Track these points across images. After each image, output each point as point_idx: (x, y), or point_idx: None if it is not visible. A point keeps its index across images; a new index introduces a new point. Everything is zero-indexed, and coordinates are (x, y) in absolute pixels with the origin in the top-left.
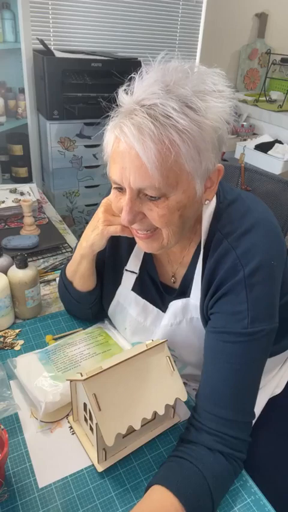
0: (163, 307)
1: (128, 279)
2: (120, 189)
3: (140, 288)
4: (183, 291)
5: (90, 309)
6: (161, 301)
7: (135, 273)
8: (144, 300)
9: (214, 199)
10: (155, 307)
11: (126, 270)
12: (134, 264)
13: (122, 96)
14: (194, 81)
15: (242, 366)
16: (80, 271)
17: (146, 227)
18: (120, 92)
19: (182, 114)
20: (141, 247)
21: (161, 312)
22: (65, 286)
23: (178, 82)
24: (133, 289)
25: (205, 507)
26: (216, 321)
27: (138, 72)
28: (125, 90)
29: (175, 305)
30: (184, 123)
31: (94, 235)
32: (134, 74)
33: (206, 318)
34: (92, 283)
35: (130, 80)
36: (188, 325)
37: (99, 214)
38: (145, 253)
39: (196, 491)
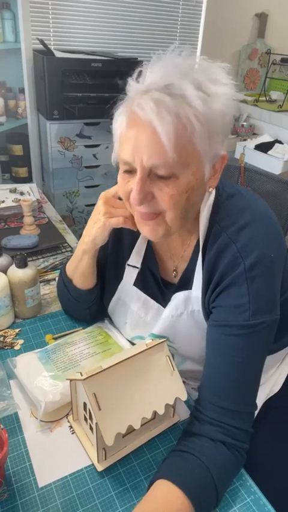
0: (164, 303)
1: (130, 274)
2: (129, 172)
3: (141, 283)
4: (184, 285)
5: (88, 308)
6: (162, 297)
7: (137, 268)
8: (145, 295)
9: (213, 192)
10: (155, 302)
11: (128, 264)
12: (136, 259)
13: (132, 84)
14: (205, 67)
15: (244, 358)
16: (81, 268)
17: (153, 210)
18: (131, 80)
19: (196, 95)
20: (146, 233)
21: (161, 307)
22: (65, 284)
23: (191, 67)
24: (135, 284)
25: (210, 498)
26: (218, 315)
27: (149, 64)
28: (135, 79)
29: (178, 297)
30: (198, 103)
31: (96, 228)
32: (141, 67)
33: (207, 311)
34: (92, 281)
35: (140, 72)
36: (189, 317)
37: (99, 206)
38: (147, 248)
39: (201, 483)
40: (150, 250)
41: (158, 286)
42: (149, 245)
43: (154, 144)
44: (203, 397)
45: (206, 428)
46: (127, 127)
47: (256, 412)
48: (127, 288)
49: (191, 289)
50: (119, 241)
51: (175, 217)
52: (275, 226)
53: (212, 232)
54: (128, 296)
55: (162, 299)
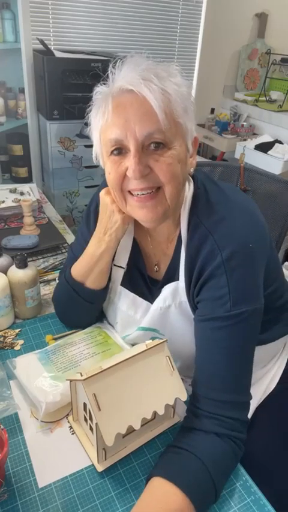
0: (152, 300)
1: (117, 274)
2: (119, 153)
3: (129, 282)
4: (169, 280)
5: (97, 309)
6: (150, 294)
7: (123, 268)
8: (133, 294)
9: (191, 185)
10: (144, 300)
11: (114, 265)
12: (121, 258)
13: (102, 88)
14: (163, 67)
15: (231, 348)
16: (100, 268)
17: (152, 184)
18: (98, 86)
19: (166, 78)
20: (145, 216)
21: (150, 304)
22: (74, 289)
23: (151, 66)
24: (122, 284)
25: (208, 492)
26: (202, 309)
27: (110, 71)
28: (102, 84)
29: (167, 289)
30: (173, 81)
31: (115, 227)
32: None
33: (193, 306)
34: (107, 278)
35: (103, 79)
36: (177, 309)
37: (109, 205)
38: (133, 247)
39: (197, 478)
40: (137, 248)
41: (145, 283)
42: (135, 243)
43: (146, 113)
44: (195, 392)
45: (201, 421)
46: (113, 110)
47: (253, 410)
48: (115, 288)
49: (178, 280)
50: None
51: (173, 190)
52: (254, 217)
53: (191, 225)
54: (117, 296)
55: (151, 296)
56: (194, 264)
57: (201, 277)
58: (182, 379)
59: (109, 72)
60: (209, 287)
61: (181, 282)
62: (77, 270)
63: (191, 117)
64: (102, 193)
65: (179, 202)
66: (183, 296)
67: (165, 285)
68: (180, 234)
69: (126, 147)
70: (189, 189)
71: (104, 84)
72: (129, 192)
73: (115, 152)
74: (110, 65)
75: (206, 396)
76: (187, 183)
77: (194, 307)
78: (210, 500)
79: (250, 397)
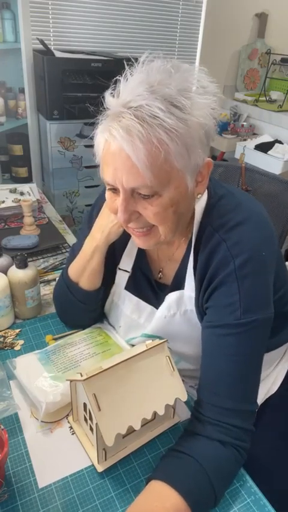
0: (157, 305)
1: (121, 278)
2: (114, 190)
3: (133, 286)
4: (177, 286)
5: (94, 311)
6: (155, 299)
7: (128, 272)
8: (137, 298)
9: (205, 195)
10: (148, 305)
11: (119, 268)
12: (126, 262)
13: (109, 99)
14: (177, 80)
15: (239, 356)
16: (91, 266)
17: (142, 225)
18: (107, 95)
19: (168, 113)
20: (138, 244)
21: (154, 309)
22: (68, 288)
23: (162, 82)
24: (127, 288)
25: (207, 498)
26: (210, 315)
27: (123, 74)
28: (111, 93)
29: (170, 297)
30: (171, 122)
31: (112, 225)
32: (119, 77)
33: (201, 313)
34: (99, 280)
35: (115, 82)
36: (182, 317)
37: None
38: (138, 251)
39: (196, 484)
40: (142, 252)
41: (151, 288)
42: (140, 248)
43: (130, 169)
44: (201, 398)
45: (205, 428)
46: (104, 151)
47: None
48: (119, 291)
49: (183, 289)
50: (111, 244)
51: (166, 230)
52: (266, 225)
53: (205, 234)
54: (120, 300)
55: (156, 301)
56: (205, 271)
57: (212, 284)
58: (183, 380)
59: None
60: (220, 293)
61: (187, 291)
62: (73, 269)
63: (197, 151)
64: None
65: (187, 218)
66: (188, 305)
67: (173, 290)
68: (190, 241)
69: (118, 189)
70: (199, 202)
71: (112, 94)
72: None
73: (111, 190)
74: (126, 70)
75: (210, 402)
76: (197, 198)
77: (202, 313)
78: (208, 504)
79: (256, 406)
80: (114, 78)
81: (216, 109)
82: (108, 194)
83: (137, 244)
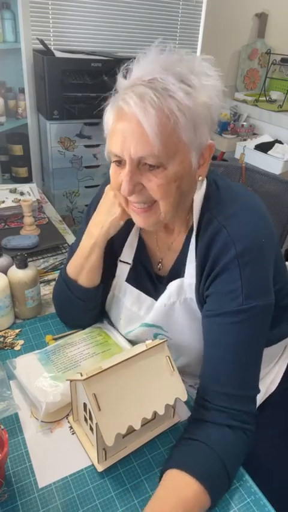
0: (156, 296)
1: (122, 270)
2: (119, 163)
3: (134, 278)
4: (175, 276)
5: (93, 309)
6: (154, 290)
7: (129, 264)
8: (138, 290)
9: (204, 184)
10: (148, 297)
11: (120, 260)
12: (127, 254)
13: (120, 80)
14: (187, 62)
15: (241, 343)
16: (90, 263)
17: (145, 199)
18: (119, 76)
19: (179, 88)
20: (138, 222)
21: (154, 301)
22: (67, 286)
23: (174, 63)
24: (127, 280)
25: (223, 483)
26: (211, 304)
27: (136, 58)
28: (122, 74)
29: (172, 286)
30: (182, 95)
31: (111, 219)
32: (130, 63)
33: (201, 301)
34: (99, 276)
35: (126, 68)
36: (182, 306)
37: (112, 198)
38: (139, 243)
39: (213, 470)
40: (142, 244)
41: (151, 280)
42: (141, 239)
43: (140, 137)
44: (205, 385)
45: (212, 414)
46: (114, 121)
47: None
48: (120, 284)
49: (183, 276)
50: (111, 238)
51: (167, 206)
52: (265, 215)
53: (203, 220)
54: (121, 292)
55: (155, 293)
56: (206, 258)
57: (214, 271)
58: (182, 379)
59: (130, 63)
60: (221, 280)
61: (186, 279)
62: (71, 267)
63: (203, 129)
64: (108, 187)
65: (187, 202)
66: (188, 293)
67: (171, 281)
68: (189, 229)
69: (124, 160)
70: (200, 188)
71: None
72: None
73: (116, 162)
74: (138, 55)
75: (215, 390)
76: (199, 183)
77: (202, 302)
78: (224, 487)
79: (258, 390)
80: (126, 65)
81: (220, 97)
82: (112, 168)
83: (137, 223)
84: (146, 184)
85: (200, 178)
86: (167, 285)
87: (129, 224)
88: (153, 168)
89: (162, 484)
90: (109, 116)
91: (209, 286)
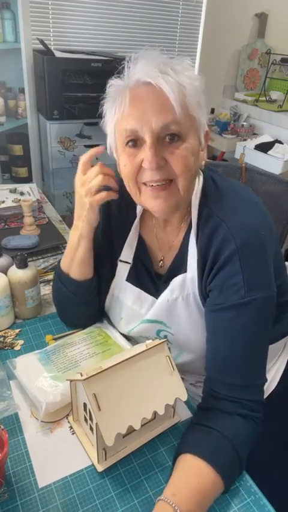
0: (157, 295)
1: (122, 270)
2: (134, 144)
3: (134, 277)
4: (173, 274)
5: (85, 304)
6: (155, 289)
7: (129, 263)
8: (138, 289)
9: (201, 179)
10: (149, 295)
11: (120, 260)
12: (127, 254)
13: (117, 81)
14: (176, 61)
15: (246, 335)
16: (79, 255)
17: (166, 176)
18: (113, 79)
19: (181, 71)
20: (157, 206)
21: (155, 299)
22: (60, 280)
23: (166, 60)
24: (128, 279)
25: (235, 470)
26: (214, 297)
27: (127, 60)
28: (116, 77)
29: (175, 281)
30: (188, 75)
31: (86, 212)
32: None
33: (204, 296)
34: (90, 270)
35: (119, 72)
36: (184, 301)
37: (78, 191)
38: (138, 242)
39: (227, 457)
40: (142, 243)
41: (151, 279)
42: (140, 238)
43: (163, 105)
44: (212, 377)
45: (222, 403)
46: (130, 103)
47: None
48: (120, 283)
49: (186, 271)
50: (109, 237)
51: (186, 182)
52: (263, 208)
53: (202, 215)
54: (122, 292)
55: (155, 291)
56: (207, 252)
57: (215, 265)
58: (182, 377)
59: (125, 65)
60: (223, 274)
61: (189, 274)
62: (63, 260)
63: (203, 111)
64: (76, 178)
65: (189, 194)
66: (190, 288)
67: (170, 278)
68: (188, 226)
69: (141, 138)
70: (198, 182)
71: (118, 77)
72: (143, 183)
73: (130, 144)
74: (126, 59)
75: (223, 381)
76: (197, 177)
77: (205, 296)
78: (236, 474)
79: (266, 380)
80: (120, 67)
81: (205, 99)
82: (127, 152)
83: (155, 207)
84: (168, 157)
85: (202, 163)
86: (166, 282)
87: (128, 224)
88: (173, 140)
89: (178, 469)
90: (116, 105)
91: (211, 280)
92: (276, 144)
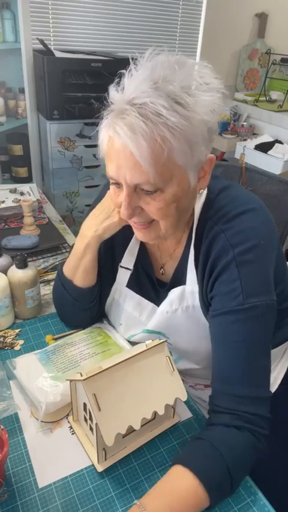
0: (158, 302)
1: (123, 276)
2: (118, 185)
3: (135, 283)
4: (177, 283)
5: (88, 310)
6: (156, 296)
7: (130, 270)
8: (138, 296)
9: (205, 191)
10: (150, 302)
11: (120, 266)
12: (128, 260)
13: (113, 94)
14: (181, 76)
15: (245, 342)
16: (84, 264)
17: (145, 220)
18: (111, 89)
19: (171, 111)
20: (139, 237)
21: (156, 306)
22: (63, 285)
23: (166, 79)
24: (128, 285)
25: (222, 478)
26: (215, 305)
27: (128, 70)
28: (115, 88)
29: (173, 293)
30: (174, 120)
31: (108, 223)
32: (124, 70)
33: (207, 305)
34: (93, 277)
35: (120, 76)
36: (184, 313)
37: (111, 204)
38: (140, 249)
39: (210, 463)
40: (144, 250)
41: (152, 285)
42: (142, 245)
43: (133, 166)
44: (214, 389)
45: (221, 417)
46: (108, 147)
47: None
48: (120, 289)
49: (185, 284)
50: (111, 243)
51: (167, 224)
52: (265, 214)
53: (206, 228)
54: (122, 297)
55: (157, 298)
56: (206, 262)
57: (213, 273)
58: (182, 379)
59: (124, 75)
60: (221, 281)
61: (188, 286)
62: (67, 266)
63: (200, 148)
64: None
65: (188, 214)
66: (190, 300)
67: (173, 287)
68: (189, 236)
69: (121, 184)
70: (199, 198)
71: (118, 86)
72: None
73: (115, 184)
74: (127, 70)
75: (223, 392)
76: (198, 194)
77: (208, 305)
78: (224, 486)
79: (270, 393)
80: (119, 72)
81: (221, 105)
82: (112, 189)
83: (138, 237)
84: (144, 207)
85: (200, 191)
86: (168, 291)
87: (129, 230)
88: (149, 192)
89: (163, 477)
90: (103, 138)
91: (212, 288)
92: (276, 144)
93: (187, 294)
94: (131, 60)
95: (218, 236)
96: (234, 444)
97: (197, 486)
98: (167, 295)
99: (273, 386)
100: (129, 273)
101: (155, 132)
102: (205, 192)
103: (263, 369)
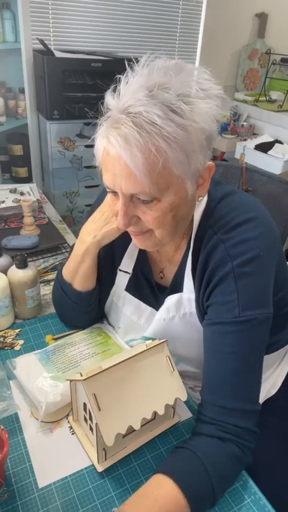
0: (157, 306)
1: (122, 279)
2: (115, 194)
3: (134, 287)
4: (176, 288)
5: (87, 312)
6: (155, 300)
7: (129, 273)
8: (137, 300)
9: (205, 198)
10: (148, 306)
11: (120, 270)
12: (127, 264)
13: (109, 100)
14: (177, 83)
15: (238, 354)
16: (83, 269)
17: (141, 229)
18: (108, 95)
19: (167, 120)
20: (136, 244)
21: (154, 310)
22: (62, 288)
23: (162, 86)
24: (127, 289)
25: (202, 486)
26: (210, 313)
27: (124, 75)
28: (111, 93)
29: (170, 300)
30: (170, 129)
31: (108, 229)
32: (121, 75)
33: (203, 313)
34: (93, 281)
35: (117, 81)
36: (181, 320)
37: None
38: (139, 252)
39: (191, 472)
40: (143, 254)
41: (151, 289)
42: (141, 249)
43: (128, 176)
44: (203, 398)
45: (206, 427)
46: (103, 156)
47: None
48: (119, 292)
49: (182, 291)
50: (111, 246)
51: (163, 234)
52: (267, 224)
53: (205, 236)
54: (120, 301)
55: (156, 303)
56: (204, 271)
57: (211, 283)
58: (182, 380)
59: (120, 80)
60: (218, 292)
61: (185, 294)
62: (66, 270)
63: (197, 156)
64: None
65: (186, 222)
66: (187, 307)
67: (172, 292)
68: (188, 243)
69: (117, 193)
70: (199, 205)
71: (114, 92)
72: None
73: (111, 193)
74: (123, 75)
75: (212, 402)
76: (197, 201)
77: (203, 313)
78: (205, 495)
79: (258, 407)
80: (116, 76)
81: (219, 111)
82: (109, 197)
83: (136, 244)
84: (141, 216)
85: (199, 199)
86: (168, 295)
87: (129, 234)
88: (145, 202)
89: (142, 486)
90: (99, 147)
91: (208, 298)
92: (276, 144)
93: (184, 301)
94: (127, 65)
95: (217, 246)
96: (218, 456)
97: (177, 494)
98: (163, 301)
99: (274, 389)
100: (128, 276)
101: (149, 142)
102: (205, 199)
103: (253, 382)
